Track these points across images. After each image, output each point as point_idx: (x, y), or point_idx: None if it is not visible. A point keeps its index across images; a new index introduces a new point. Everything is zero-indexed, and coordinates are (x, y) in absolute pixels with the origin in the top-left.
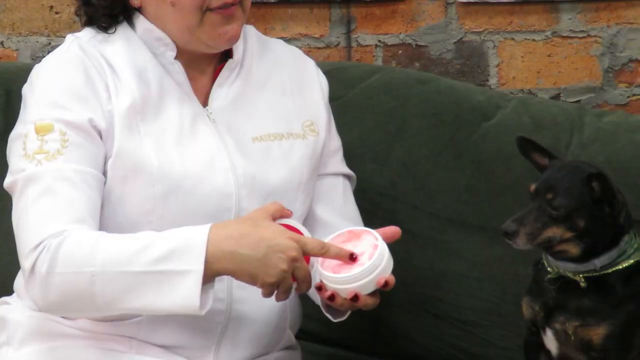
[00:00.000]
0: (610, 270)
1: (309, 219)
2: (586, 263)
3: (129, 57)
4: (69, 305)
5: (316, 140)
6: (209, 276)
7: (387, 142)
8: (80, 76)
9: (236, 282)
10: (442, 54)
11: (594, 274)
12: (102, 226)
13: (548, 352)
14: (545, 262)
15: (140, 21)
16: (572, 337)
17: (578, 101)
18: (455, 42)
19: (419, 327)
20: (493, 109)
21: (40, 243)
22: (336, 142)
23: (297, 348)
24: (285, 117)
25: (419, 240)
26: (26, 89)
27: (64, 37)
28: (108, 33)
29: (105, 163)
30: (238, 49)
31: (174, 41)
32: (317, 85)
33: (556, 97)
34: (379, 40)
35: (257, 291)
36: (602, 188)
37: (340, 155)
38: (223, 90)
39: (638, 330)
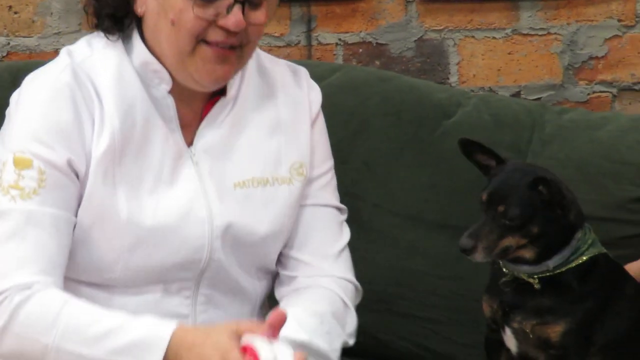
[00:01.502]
0: (564, 269)
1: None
2: (540, 265)
3: (118, 91)
4: None
5: (303, 183)
6: None
7: (349, 140)
8: (69, 112)
9: (200, 320)
10: (403, 52)
11: (548, 274)
12: None
13: (509, 349)
14: (500, 262)
15: (139, 50)
16: (531, 335)
17: (539, 99)
18: (415, 40)
19: (381, 324)
20: (454, 107)
21: (3, 292)
22: (321, 168)
23: None
24: (275, 157)
25: (381, 238)
26: (13, 103)
27: (23, 37)
28: (109, 39)
29: (78, 205)
30: (233, 86)
31: (168, 71)
32: (307, 112)
33: (517, 94)
34: (340, 39)
35: (222, 307)
36: (549, 191)
37: (324, 181)
38: (211, 131)
39: (596, 326)
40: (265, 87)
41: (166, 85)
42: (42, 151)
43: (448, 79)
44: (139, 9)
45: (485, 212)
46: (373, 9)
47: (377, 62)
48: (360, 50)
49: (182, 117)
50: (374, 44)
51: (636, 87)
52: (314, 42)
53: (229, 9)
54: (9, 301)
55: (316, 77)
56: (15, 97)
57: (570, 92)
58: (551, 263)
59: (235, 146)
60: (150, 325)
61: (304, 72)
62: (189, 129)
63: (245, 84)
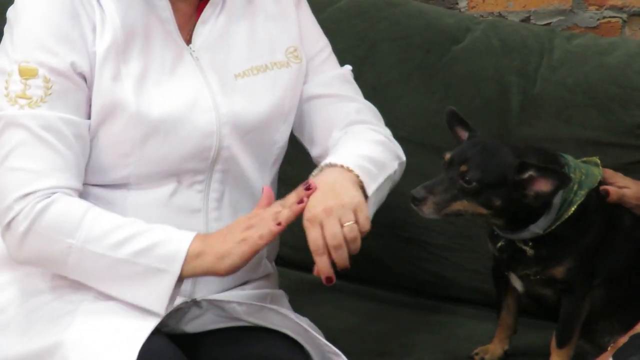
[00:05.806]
0: (554, 227)
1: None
2: (527, 230)
3: None
4: (41, 264)
5: (299, 68)
6: (184, 277)
7: (357, 65)
8: (69, 15)
9: (212, 217)
10: None
11: (541, 235)
12: None
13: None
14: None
15: None
16: (536, 277)
17: (548, 24)
18: None
19: (389, 250)
20: (463, 32)
21: (25, 197)
22: (316, 45)
23: (274, 275)
24: (270, 44)
25: None
26: (11, 15)
27: None
28: None
29: (89, 107)
30: None
31: None
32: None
33: (526, 20)
34: None
35: (232, 205)
36: (532, 179)
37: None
38: (207, 28)
39: (597, 260)
40: None
41: None
42: (46, 59)
43: (457, 4)
44: None
45: (446, 171)
46: None
47: None
48: None
49: (179, 18)
50: None
51: None
52: None
53: None
54: (32, 206)
55: (324, 1)
56: (12, 12)
57: (579, 18)
58: (537, 228)
59: (231, 40)
60: (171, 231)
61: None
62: (185, 29)
63: None
